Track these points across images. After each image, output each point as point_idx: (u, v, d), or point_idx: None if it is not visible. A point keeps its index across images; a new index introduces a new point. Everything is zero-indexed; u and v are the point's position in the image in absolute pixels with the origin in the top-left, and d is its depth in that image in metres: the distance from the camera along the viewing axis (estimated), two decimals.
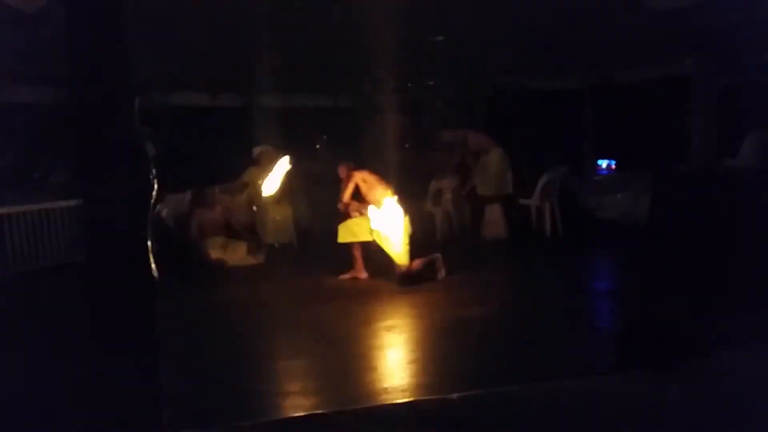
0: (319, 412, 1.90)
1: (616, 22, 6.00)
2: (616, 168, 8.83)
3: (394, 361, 3.92)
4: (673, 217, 6.41)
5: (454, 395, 1.97)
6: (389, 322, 4.75)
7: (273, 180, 6.76)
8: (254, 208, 7.84)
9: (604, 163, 8.93)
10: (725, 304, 4.44)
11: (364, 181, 5.93)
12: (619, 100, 8.82)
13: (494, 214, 7.52)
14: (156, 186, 2.25)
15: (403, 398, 2.58)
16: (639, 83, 8.88)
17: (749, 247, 5.53)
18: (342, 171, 6.24)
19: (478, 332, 4.32)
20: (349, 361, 3.93)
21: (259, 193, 7.79)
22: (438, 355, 3.97)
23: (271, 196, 6.73)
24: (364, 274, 5.90)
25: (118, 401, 2.21)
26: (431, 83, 9.30)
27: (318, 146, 9.24)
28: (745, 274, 5.11)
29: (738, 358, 2.33)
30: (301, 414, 1.91)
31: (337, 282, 5.90)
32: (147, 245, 2.23)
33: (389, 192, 5.78)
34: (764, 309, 4.17)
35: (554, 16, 5.66)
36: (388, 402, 2.56)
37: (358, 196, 6.01)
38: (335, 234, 6.00)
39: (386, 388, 3.34)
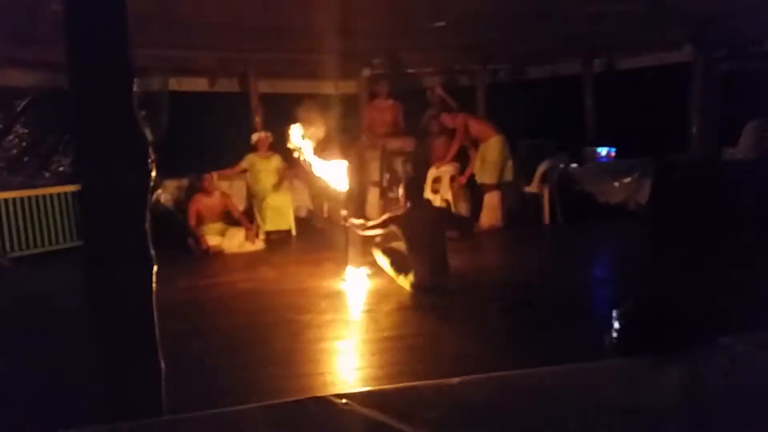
0: (316, 395, 1.90)
1: (616, 8, 5.98)
2: (615, 155, 8.80)
3: (393, 345, 3.92)
4: (674, 203, 6.43)
5: (455, 379, 1.98)
6: (385, 308, 4.76)
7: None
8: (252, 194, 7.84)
9: (603, 151, 8.90)
10: (724, 289, 4.47)
11: None
12: (619, 87, 8.78)
13: (493, 201, 7.52)
14: (154, 172, 2.24)
15: (402, 382, 2.59)
16: (640, 70, 8.85)
17: (747, 233, 5.56)
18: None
19: (478, 319, 4.34)
20: (349, 346, 3.96)
21: (258, 179, 7.77)
22: (439, 340, 3.99)
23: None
24: None
25: (117, 386, 2.22)
26: (429, 70, 9.28)
27: None
28: (742, 259, 5.14)
29: (740, 344, 2.32)
30: (298, 398, 1.91)
31: (334, 270, 5.79)
32: (146, 231, 2.23)
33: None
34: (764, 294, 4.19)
35: (554, 1, 5.64)
36: (386, 386, 2.58)
37: None
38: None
39: (385, 373, 3.36)
